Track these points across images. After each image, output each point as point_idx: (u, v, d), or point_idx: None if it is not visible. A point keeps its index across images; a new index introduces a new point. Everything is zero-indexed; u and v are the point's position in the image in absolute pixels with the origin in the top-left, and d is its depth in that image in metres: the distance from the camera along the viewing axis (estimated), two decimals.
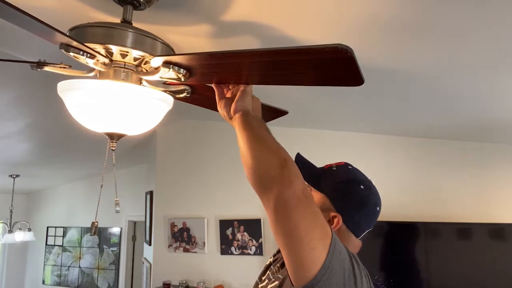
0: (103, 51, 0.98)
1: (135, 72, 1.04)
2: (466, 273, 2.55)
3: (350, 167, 1.04)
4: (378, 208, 0.99)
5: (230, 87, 1.04)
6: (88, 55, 0.90)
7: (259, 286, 1.03)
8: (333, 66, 0.78)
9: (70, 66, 1.04)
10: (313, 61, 0.79)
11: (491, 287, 2.50)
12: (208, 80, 1.03)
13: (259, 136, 0.87)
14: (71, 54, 0.89)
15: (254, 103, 1.01)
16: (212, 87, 1.09)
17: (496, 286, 2.49)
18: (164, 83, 1.14)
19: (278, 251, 1.07)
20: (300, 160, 1.07)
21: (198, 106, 1.32)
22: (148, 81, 1.09)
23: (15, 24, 0.76)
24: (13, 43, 1.65)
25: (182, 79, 0.95)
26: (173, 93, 1.17)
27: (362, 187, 0.98)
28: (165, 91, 1.12)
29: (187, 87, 1.16)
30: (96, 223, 1.03)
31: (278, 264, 1.02)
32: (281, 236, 0.75)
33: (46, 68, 1.04)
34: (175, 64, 0.91)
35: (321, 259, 0.72)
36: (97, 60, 0.96)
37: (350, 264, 0.79)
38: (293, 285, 0.76)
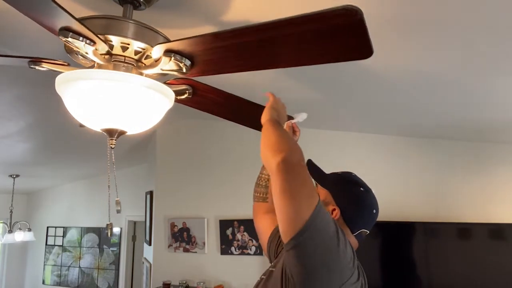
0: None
1: (135, 66, 1.02)
2: (466, 273, 2.55)
3: (353, 174, 1.17)
4: (374, 211, 1.08)
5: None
6: (88, 40, 0.87)
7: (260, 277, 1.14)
8: (340, 35, 0.74)
9: (68, 64, 1.03)
10: (319, 32, 0.75)
11: (491, 287, 2.50)
12: (211, 69, 0.99)
13: (279, 132, 1.07)
14: (70, 39, 0.85)
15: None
16: (214, 89, 1.09)
17: (496, 286, 2.49)
18: (165, 82, 1.13)
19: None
20: (312, 164, 1.22)
21: (201, 110, 1.28)
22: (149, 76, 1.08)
23: (13, 4, 0.73)
24: (11, 42, 1.65)
25: (184, 70, 0.92)
26: (176, 95, 1.14)
27: (361, 189, 1.10)
28: None
29: (188, 87, 1.13)
30: (110, 224, 1.03)
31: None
32: (278, 193, 0.89)
33: (44, 65, 1.02)
34: (177, 52, 0.89)
35: (307, 215, 0.85)
36: (96, 49, 0.93)
37: (335, 230, 0.90)
38: (283, 244, 0.89)
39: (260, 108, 1.22)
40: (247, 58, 0.91)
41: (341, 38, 0.75)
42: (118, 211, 0.96)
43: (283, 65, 0.94)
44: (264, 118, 1.17)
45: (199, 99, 1.19)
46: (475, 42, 1.31)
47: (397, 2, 1.09)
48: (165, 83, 1.12)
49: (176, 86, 1.13)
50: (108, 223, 1.04)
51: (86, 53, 0.93)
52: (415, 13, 1.14)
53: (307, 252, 0.85)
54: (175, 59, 0.90)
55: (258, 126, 1.34)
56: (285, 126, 1.35)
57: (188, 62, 0.91)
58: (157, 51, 0.91)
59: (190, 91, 1.14)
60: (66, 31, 0.84)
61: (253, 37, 0.80)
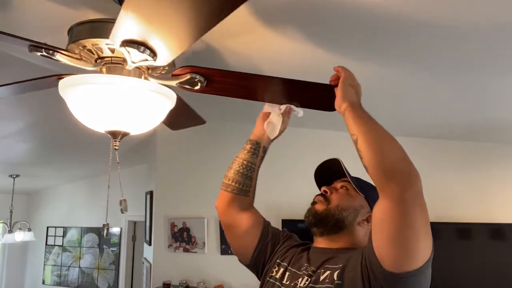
0: (81, 48, 0.97)
1: (123, 66, 1.01)
2: (466, 273, 2.55)
3: None
4: None
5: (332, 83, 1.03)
6: (50, 51, 0.91)
7: (297, 282, 1.02)
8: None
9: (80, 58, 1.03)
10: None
11: (491, 287, 2.51)
12: (177, 45, 0.82)
13: (377, 126, 0.95)
14: (38, 54, 0.91)
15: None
16: (229, 72, 1.04)
17: (496, 286, 2.49)
18: (172, 75, 1.07)
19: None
20: (344, 167, 1.20)
21: (229, 96, 1.19)
22: (154, 77, 1.08)
23: None
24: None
25: (148, 58, 0.85)
26: (189, 85, 1.08)
27: None
28: (178, 85, 1.08)
29: (196, 75, 1.04)
30: (107, 225, 1.02)
31: (307, 263, 1.04)
32: (397, 226, 0.80)
33: (59, 56, 0.97)
34: (130, 41, 0.80)
35: (428, 253, 0.82)
36: (66, 55, 0.95)
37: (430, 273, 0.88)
38: (384, 269, 0.82)
39: (275, 80, 1.09)
40: (204, 17, 0.71)
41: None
42: (122, 211, 0.95)
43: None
44: (343, 101, 0.97)
45: (217, 86, 1.10)
46: (478, 41, 1.31)
47: None
48: (172, 75, 1.07)
49: (183, 76, 1.06)
50: (104, 223, 1.03)
51: (65, 62, 0.96)
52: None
53: (416, 286, 0.84)
54: (129, 47, 0.82)
55: (274, 99, 1.21)
56: (282, 109, 1.18)
57: (142, 48, 0.82)
58: (117, 44, 0.84)
59: (201, 79, 1.06)
60: (30, 46, 0.90)
61: None
